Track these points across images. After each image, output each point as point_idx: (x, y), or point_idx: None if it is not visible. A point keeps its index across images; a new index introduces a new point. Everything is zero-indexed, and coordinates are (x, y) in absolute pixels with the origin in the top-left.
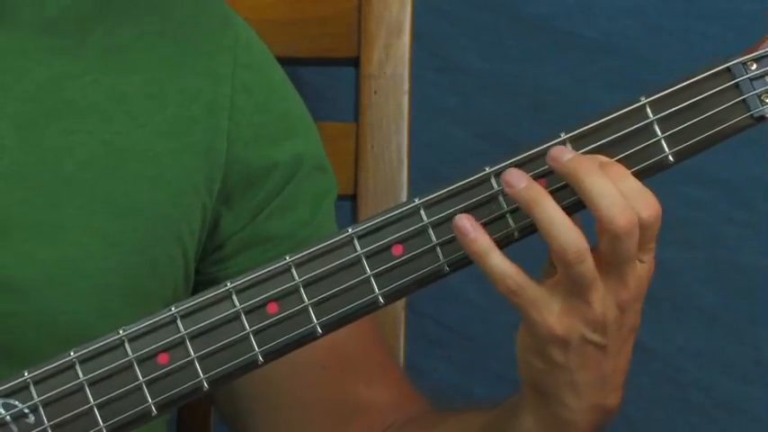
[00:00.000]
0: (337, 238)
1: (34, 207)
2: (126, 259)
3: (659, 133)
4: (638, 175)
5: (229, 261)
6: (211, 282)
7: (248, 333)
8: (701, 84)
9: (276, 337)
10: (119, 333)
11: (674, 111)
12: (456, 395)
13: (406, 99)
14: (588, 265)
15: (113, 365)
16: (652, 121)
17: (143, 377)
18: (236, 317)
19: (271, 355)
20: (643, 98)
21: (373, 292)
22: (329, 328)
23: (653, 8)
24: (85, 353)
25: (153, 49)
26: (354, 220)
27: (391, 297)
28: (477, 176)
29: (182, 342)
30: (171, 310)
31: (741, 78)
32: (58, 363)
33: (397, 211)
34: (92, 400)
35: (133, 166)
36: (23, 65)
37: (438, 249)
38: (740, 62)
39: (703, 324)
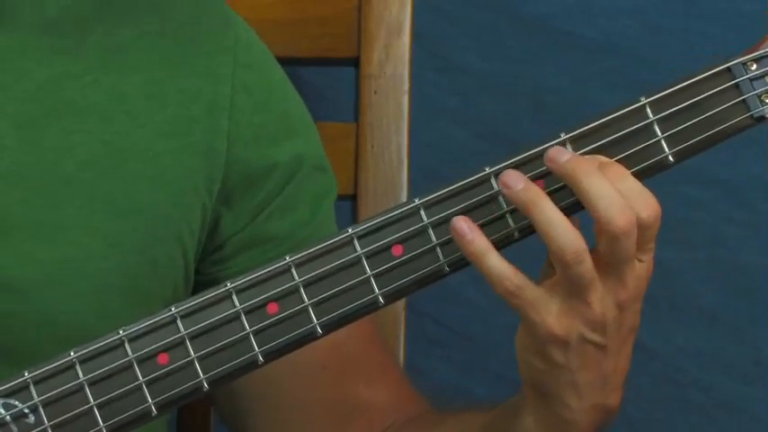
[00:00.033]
0: (337, 239)
1: (34, 207)
2: (126, 259)
3: (659, 133)
4: (638, 175)
5: (229, 261)
6: (211, 282)
7: (248, 333)
8: (701, 84)
9: (276, 337)
10: (119, 333)
11: (674, 111)
12: (456, 395)
13: (406, 99)
14: (587, 265)
15: (113, 365)
16: (652, 122)
17: (143, 377)
18: (236, 317)
19: (271, 356)
20: (643, 98)
21: (373, 292)
22: (329, 328)
23: (653, 8)
24: (85, 353)
25: (153, 49)
26: (354, 220)
27: (391, 297)
28: (477, 177)
29: (182, 342)
30: (171, 310)
31: (741, 78)
32: (58, 363)
33: (397, 212)
34: (92, 400)
35: (133, 166)
36: (23, 65)
37: (438, 249)
38: (740, 62)
39: (703, 324)
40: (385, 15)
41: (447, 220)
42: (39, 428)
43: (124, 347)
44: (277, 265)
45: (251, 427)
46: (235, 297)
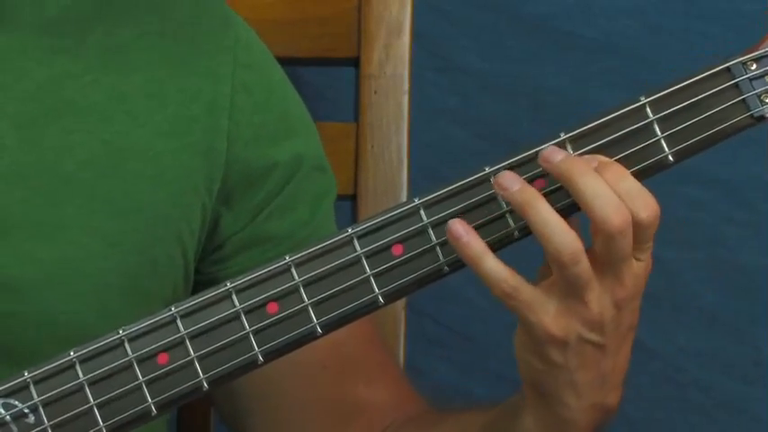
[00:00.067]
0: (337, 238)
1: (34, 207)
2: (126, 259)
3: (659, 133)
4: (637, 175)
5: (229, 261)
6: (211, 282)
7: (248, 333)
8: (701, 84)
9: (276, 336)
10: (119, 333)
11: (674, 111)
12: (456, 395)
13: (406, 99)
14: (583, 265)
15: (113, 365)
16: (652, 121)
17: (143, 377)
18: (236, 317)
19: (271, 355)
20: (643, 98)
21: (373, 291)
22: (329, 327)
23: (653, 8)
24: (85, 353)
25: (153, 49)
26: (354, 220)
27: (391, 297)
28: (476, 176)
29: (182, 342)
30: (171, 309)
31: (741, 78)
32: (58, 363)
33: (396, 211)
34: (92, 399)
35: (133, 165)
36: (23, 65)
37: (438, 249)
38: (740, 62)
39: (703, 324)
40: (385, 15)
41: (447, 219)
42: (39, 428)
43: (124, 347)
44: (277, 265)
45: (251, 427)
46: (234, 297)
